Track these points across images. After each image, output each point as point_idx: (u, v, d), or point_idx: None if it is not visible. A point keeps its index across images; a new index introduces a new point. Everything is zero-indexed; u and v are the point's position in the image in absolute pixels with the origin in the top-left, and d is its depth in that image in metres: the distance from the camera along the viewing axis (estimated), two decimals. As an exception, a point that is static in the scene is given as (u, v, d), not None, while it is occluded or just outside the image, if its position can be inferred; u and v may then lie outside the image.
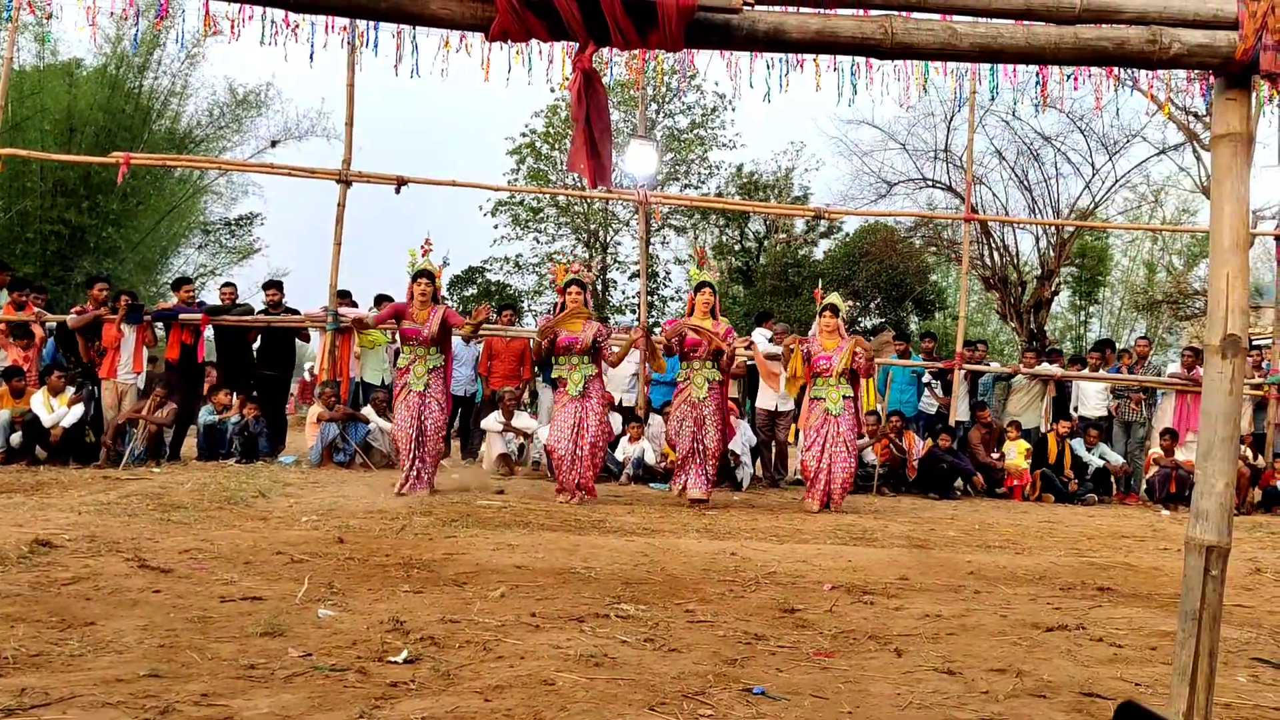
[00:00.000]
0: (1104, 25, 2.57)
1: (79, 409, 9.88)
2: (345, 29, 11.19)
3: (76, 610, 3.63)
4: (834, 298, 9.41)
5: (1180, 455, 11.46)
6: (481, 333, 12.25)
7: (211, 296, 12.25)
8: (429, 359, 8.87)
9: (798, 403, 10.34)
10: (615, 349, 9.28)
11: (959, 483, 11.73)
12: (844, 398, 9.05)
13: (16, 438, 9.72)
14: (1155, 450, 11.80)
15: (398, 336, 9.44)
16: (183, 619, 3.59)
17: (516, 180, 26.48)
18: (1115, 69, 11.88)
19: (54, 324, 11.32)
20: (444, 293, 9.32)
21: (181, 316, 11.18)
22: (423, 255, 9.01)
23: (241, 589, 4.17)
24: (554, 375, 9.11)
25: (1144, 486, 12.03)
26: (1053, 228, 23.13)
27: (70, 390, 10.00)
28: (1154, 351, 13.34)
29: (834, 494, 8.92)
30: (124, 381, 10.84)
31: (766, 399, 11.56)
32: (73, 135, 19.67)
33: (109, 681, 2.81)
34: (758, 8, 2.53)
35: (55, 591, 3.93)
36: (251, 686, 2.85)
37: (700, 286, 9.24)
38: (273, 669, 3.03)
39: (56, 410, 9.79)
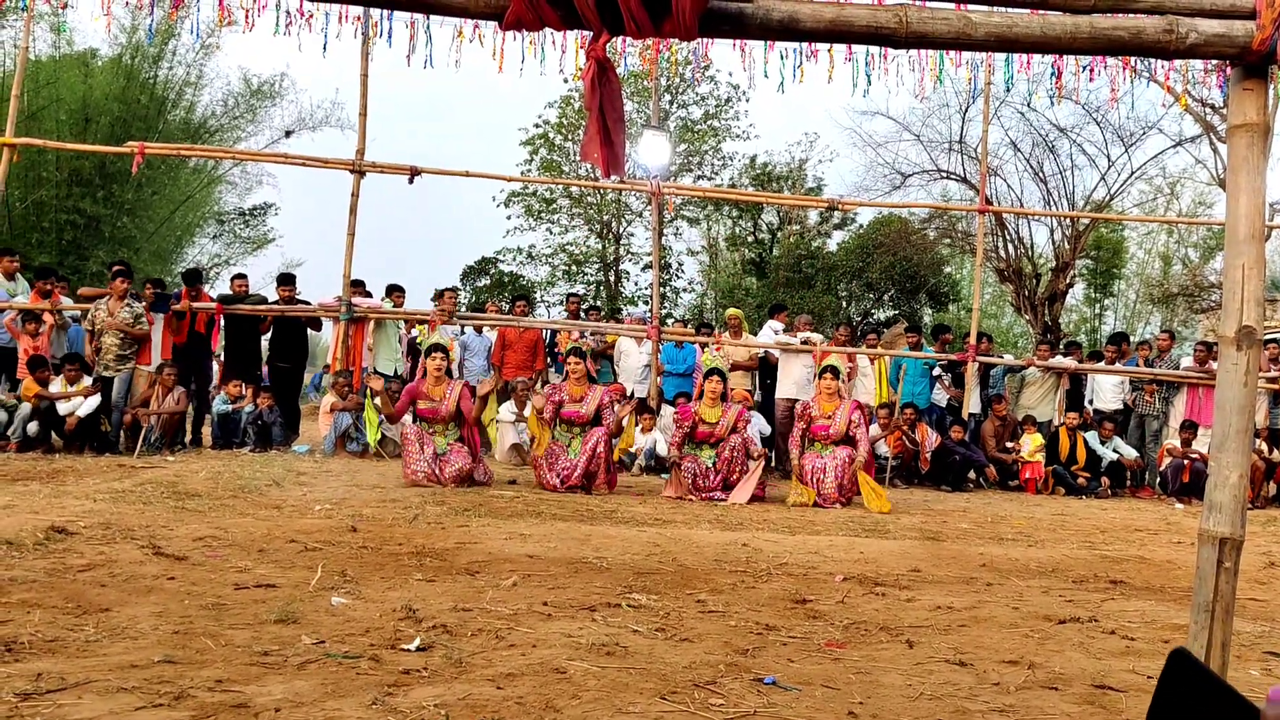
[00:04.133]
0: (1120, 15, 2.56)
1: (95, 399, 9.93)
2: (359, 19, 11.20)
3: (92, 596, 3.66)
4: (833, 360, 9.39)
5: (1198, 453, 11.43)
6: (495, 323, 12.30)
7: (223, 287, 12.24)
8: (448, 433, 8.86)
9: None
10: (620, 407, 9.29)
11: (971, 475, 11.70)
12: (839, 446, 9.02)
13: (34, 426, 9.78)
14: (1170, 442, 11.73)
15: (415, 331, 9.41)
16: (197, 606, 3.61)
17: (530, 171, 26.46)
18: (1131, 60, 11.81)
19: (75, 313, 11.33)
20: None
21: (195, 305, 11.24)
22: (430, 331, 8.99)
23: (255, 577, 4.19)
24: (555, 435, 9.03)
25: (1158, 480, 11.98)
26: (1068, 220, 22.98)
27: (86, 380, 10.06)
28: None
29: (828, 499, 8.78)
30: (152, 369, 10.88)
31: (787, 389, 11.52)
32: (88, 125, 19.73)
33: (124, 667, 2.83)
34: (772, -3, 2.53)
35: (71, 578, 3.95)
36: (265, 673, 2.87)
37: (710, 374, 9.28)
38: (286, 656, 3.05)
39: (73, 400, 9.84)
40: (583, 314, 13.30)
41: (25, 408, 9.82)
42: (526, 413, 11.13)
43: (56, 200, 19.53)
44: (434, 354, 8.95)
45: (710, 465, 8.88)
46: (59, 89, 19.60)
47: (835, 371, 9.22)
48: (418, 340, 8.93)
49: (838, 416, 8.98)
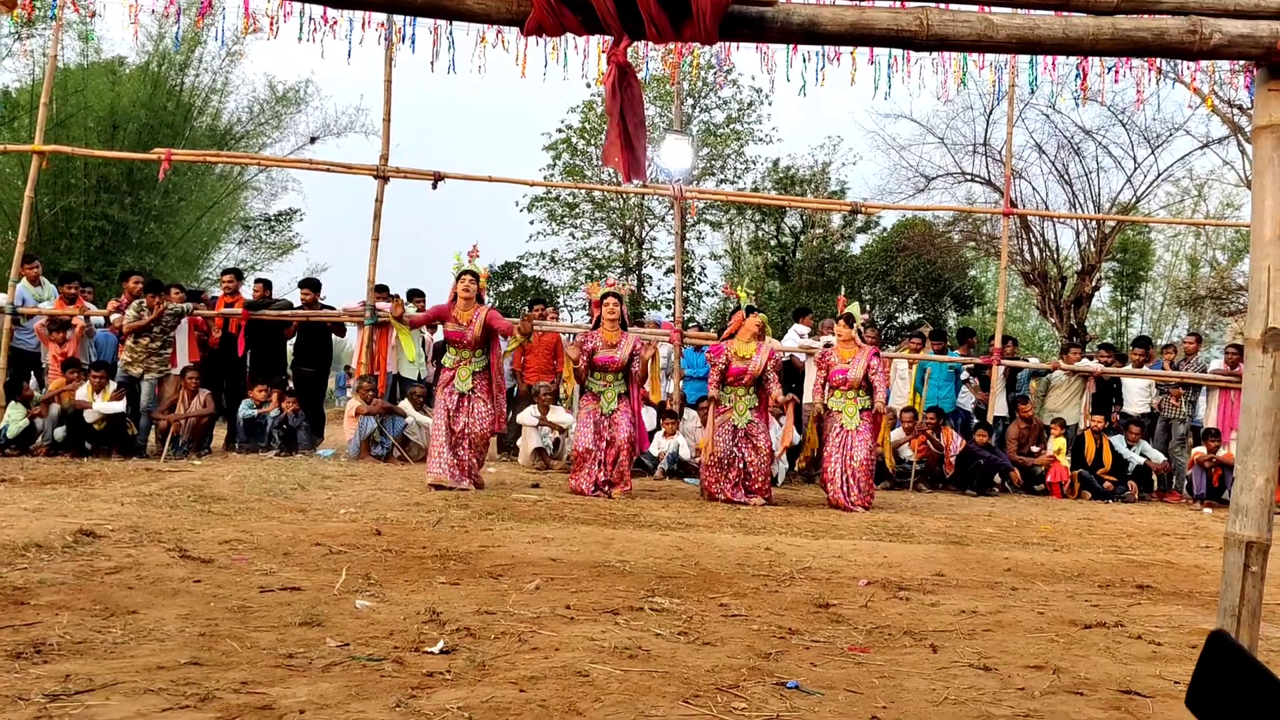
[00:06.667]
0: (1143, 16, 2.54)
1: (120, 404, 10.03)
2: (382, 25, 11.26)
3: (119, 599, 3.69)
4: (853, 307, 9.35)
5: (1224, 454, 11.32)
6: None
7: (246, 292, 12.33)
8: (474, 362, 8.74)
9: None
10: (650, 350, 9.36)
11: (997, 479, 11.64)
12: (861, 410, 9.02)
13: (61, 431, 9.89)
14: (1199, 450, 11.62)
15: (439, 333, 9.38)
16: (223, 608, 3.64)
17: (552, 175, 26.53)
18: (1157, 61, 11.72)
19: (99, 319, 11.44)
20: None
21: (221, 311, 11.35)
22: (469, 260, 8.92)
23: (280, 580, 4.22)
24: (587, 386, 9.09)
25: (1185, 484, 11.88)
26: (1093, 222, 22.82)
27: (113, 386, 10.15)
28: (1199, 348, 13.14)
29: (854, 504, 8.76)
30: (177, 373, 10.99)
31: (813, 393, 11.49)
32: (116, 132, 19.91)
33: (151, 669, 2.86)
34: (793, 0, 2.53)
35: (99, 580, 3.99)
36: (290, 675, 2.88)
37: (750, 311, 9.24)
38: (311, 658, 3.07)
39: (98, 405, 9.94)
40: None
41: (53, 410, 9.95)
42: (550, 417, 11.18)
43: (85, 207, 19.71)
44: (464, 277, 8.78)
45: (744, 425, 8.90)
46: (87, 96, 19.79)
47: (850, 319, 9.20)
48: (454, 269, 8.86)
49: (856, 362, 9.03)
